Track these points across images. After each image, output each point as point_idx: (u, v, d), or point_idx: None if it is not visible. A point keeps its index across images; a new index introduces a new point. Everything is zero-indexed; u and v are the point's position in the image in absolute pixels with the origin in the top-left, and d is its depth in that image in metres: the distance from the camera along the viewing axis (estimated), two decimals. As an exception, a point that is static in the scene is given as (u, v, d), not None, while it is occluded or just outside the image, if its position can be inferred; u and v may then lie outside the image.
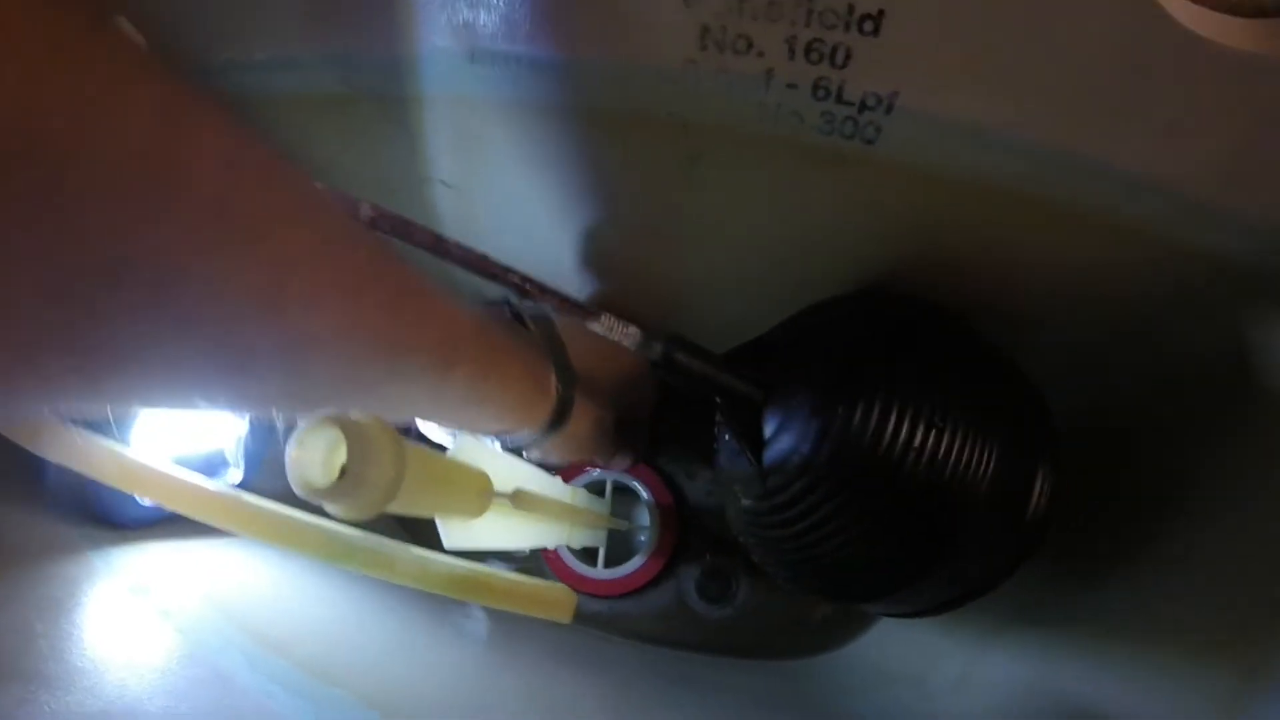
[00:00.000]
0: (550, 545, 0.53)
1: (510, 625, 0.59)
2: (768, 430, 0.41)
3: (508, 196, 0.52)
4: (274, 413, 0.31)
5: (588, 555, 0.66)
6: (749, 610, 0.66)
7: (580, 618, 0.65)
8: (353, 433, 0.24)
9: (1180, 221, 0.36)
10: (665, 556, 0.65)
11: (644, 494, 0.67)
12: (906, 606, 0.45)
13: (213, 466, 0.54)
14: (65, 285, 0.19)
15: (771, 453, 0.40)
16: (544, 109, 0.42)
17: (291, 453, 0.26)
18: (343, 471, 0.24)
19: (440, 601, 0.55)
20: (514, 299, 0.45)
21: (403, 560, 0.36)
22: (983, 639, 0.55)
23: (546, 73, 0.40)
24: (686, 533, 0.67)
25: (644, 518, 0.67)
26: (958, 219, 0.40)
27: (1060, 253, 0.41)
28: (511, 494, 0.35)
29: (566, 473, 0.66)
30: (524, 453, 0.48)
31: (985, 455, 0.38)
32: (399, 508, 0.27)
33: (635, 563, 0.65)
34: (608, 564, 0.66)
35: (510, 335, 0.41)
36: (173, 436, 0.50)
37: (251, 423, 0.55)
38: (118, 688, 0.34)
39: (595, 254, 0.53)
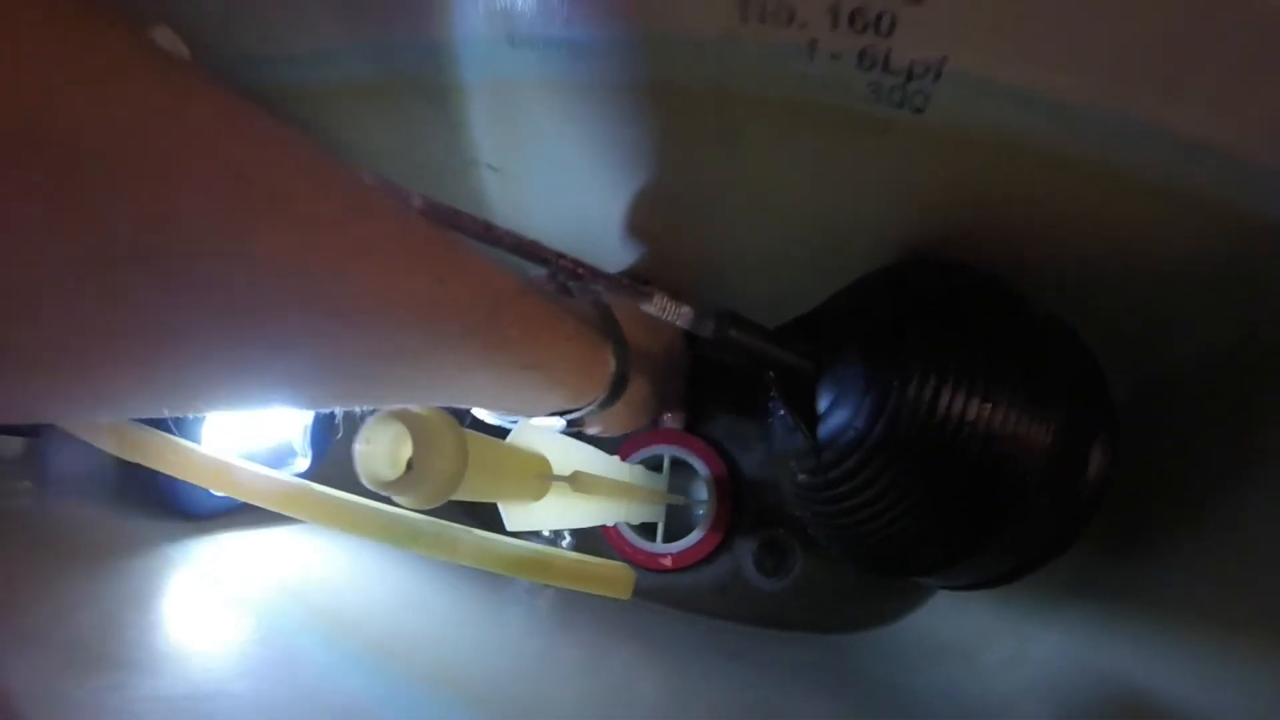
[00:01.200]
0: (610, 523, 0.54)
1: (569, 600, 0.60)
2: (821, 405, 0.41)
3: (552, 177, 0.52)
4: (324, 395, 0.31)
5: (646, 530, 0.67)
6: (805, 583, 0.66)
7: (638, 591, 0.66)
8: (416, 426, 0.25)
9: (1237, 186, 0.35)
10: (722, 530, 0.66)
11: (701, 468, 0.67)
12: (963, 580, 0.45)
13: (280, 457, 0.55)
14: (96, 270, 0.19)
15: (825, 428, 0.40)
16: (584, 88, 0.42)
17: (358, 448, 0.27)
18: (409, 465, 0.25)
19: (500, 580, 0.58)
20: (559, 274, 0.46)
21: (465, 542, 0.36)
22: (1037, 615, 0.55)
23: (586, 52, 0.39)
24: (743, 506, 0.67)
25: (701, 492, 0.67)
26: (1009, 186, 0.40)
27: (1114, 219, 0.40)
28: (570, 477, 0.35)
29: (624, 449, 0.67)
30: (585, 428, 0.49)
31: (1041, 427, 0.37)
32: (462, 495, 0.28)
33: (693, 537, 0.66)
34: (666, 538, 0.67)
35: (558, 301, 0.42)
36: (242, 433, 0.52)
37: (315, 414, 0.56)
38: (202, 671, 0.35)
39: (641, 231, 0.53)
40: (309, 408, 0.48)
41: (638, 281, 0.40)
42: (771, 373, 0.42)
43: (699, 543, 0.66)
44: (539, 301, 0.38)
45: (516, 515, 0.34)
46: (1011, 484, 0.38)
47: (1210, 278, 0.42)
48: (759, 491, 0.67)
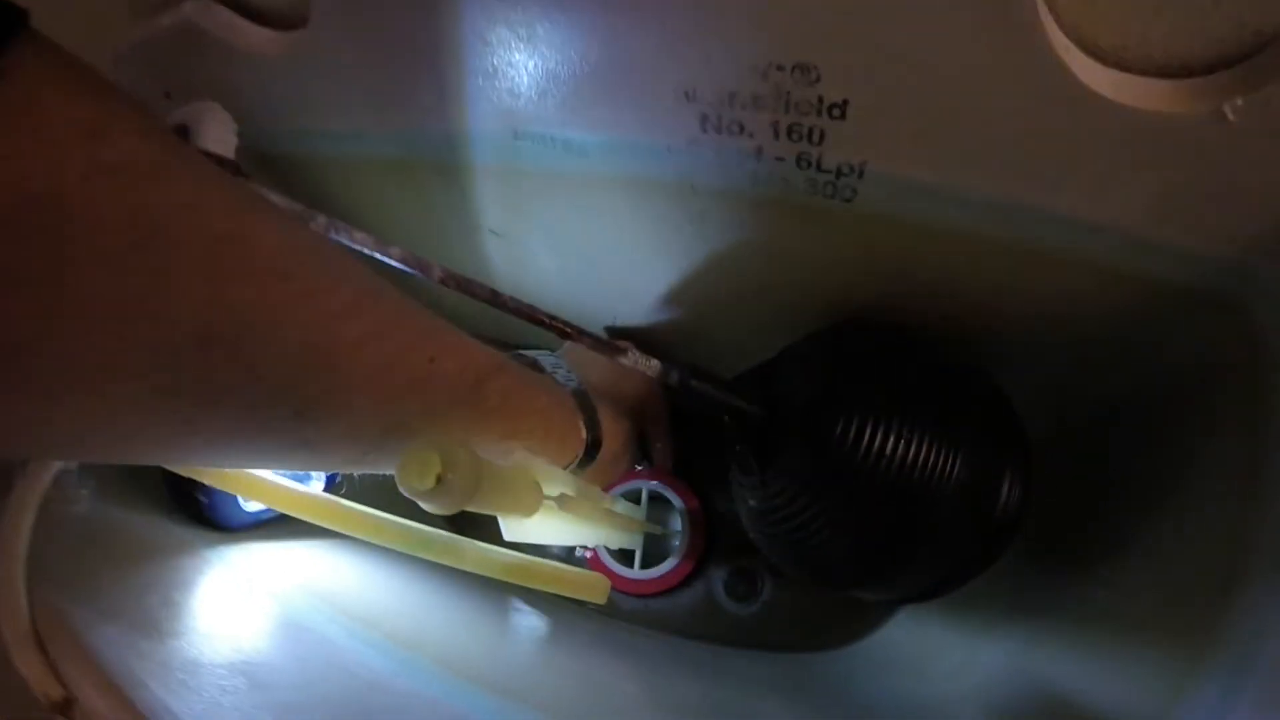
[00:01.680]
0: (590, 544, 0.59)
1: (559, 619, 0.66)
2: (768, 444, 0.48)
3: (547, 245, 0.58)
4: (334, 460, 0.36)
5: (626, 558, 0.71)
6: (773, 608, 0.70)
7: (618, 614, 0.71)
8: (446, 449, 0.32)
9: (1126, 254, 0.41)
10: (695, 558, 0.70)
11: (676, 501, 0.72)
12: (891, 593, 0.51)
13: (300, 477, 0.61)
14: (166, 352, 0.23)
15: (771, 463, 0.47)
16: (578, 178, 0.49)
17: (400, 466, 0.33)
18: (438, 479, 0.32)
19: (501, 597, 0.63)
20: (534, 357, 0.53)
21: (469, 550, 0.43)
22: (981, 630, 0.59)
23: (577, 149, 0.46)
24: (715, 537, 0.72)
25: (676, 523, 0.72)
26: (929, 260, 0.46)
27: (1024, 284, 0.45)
28: (557, 497, 0.42)
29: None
30: None
31: (950, 461, 0.43)
32: (475, 506, 0.34)
33: (668, 564, 0.70)
34: (644, 565, 0.71)
35: (533, 377, 0.47)
36: None
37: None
38: (246, 642, 0.41)
39: (622, 293, 0.60)
40: (321, 470, 0.53)
41: (615, 340, 0.46)
42: (728, 417, 0.49)
43: (673, 569, 0.70)
44: (516, 376, 0.42)
45: (514, 528, 0.41)
46: (924, 507, 0.43)
47: (1121, 333, 0.47)
48: (730, 523, 0.71)
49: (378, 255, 0.42)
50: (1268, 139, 0.33)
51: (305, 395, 0.28)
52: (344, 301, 0.29)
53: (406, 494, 0.33)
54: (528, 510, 0.39)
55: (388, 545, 0.43)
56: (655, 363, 0.46)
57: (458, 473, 0.32)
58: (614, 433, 0.53)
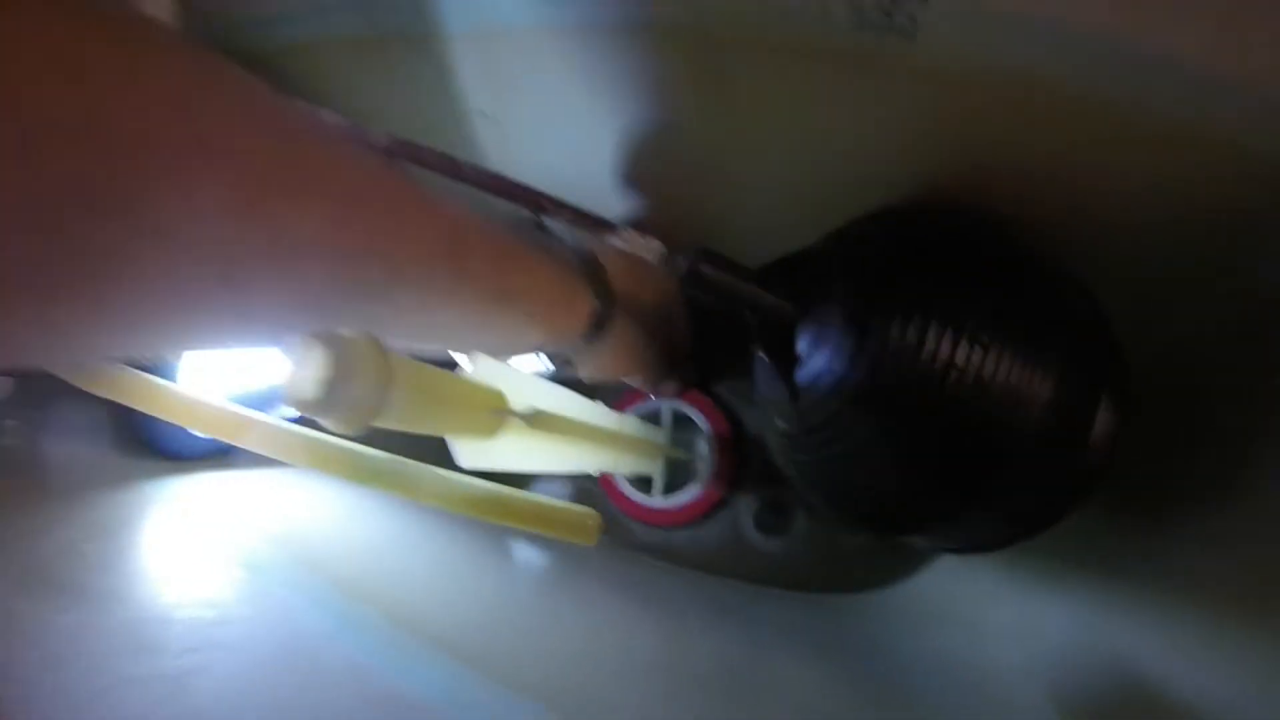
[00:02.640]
0: (593, 471, 0.53)
1: (569, 557, 0.60)
2: (801, 349, 0.39)
3: (543, 122, 0.51)
4: (288, 333, 0.31)
5: (645, 484, 0.67)
6: (805, 543, 0.65)
7: (637, 546, 0.67)
8: (335, 346, 0.24)
9: (1258, 128, 0.33)
10: (722, 486, 0.65)
11: (702, 423, 0.66)
12: (952, 542, 0.43)
13: (268, 401, 0.55)
14: (48, 210, 0.19)
15: (804, 373, 0.39)
16: (569, 31, 0.42)
17: (288, 371, 0.26)
18: (327, 385, 0.24)
19: (501, 537, 0.57)
20: (545, 221, 0.45)
21: (426, 480, 0.36)
22: (1042, 585, 0.54)
23: None
24: (745, 463, 0.66)
25: (702, 447, 0.66)
26: (1009, 126, 0.38)
27: (1127, 165, 0.37)
28: (528, 414, 0.34)
29: (620, 402, 0.66)
30: (576, 371, 0.48)
31: (1038, 377, 0.35)
32: (395, 423, 0.27)
33: (691, 492, 0.65)
34: (666, 492, 0.66)
35: (532, 240, 0.41)
36: (231, 376, 0.52)
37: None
38: (165, 598, 0.36)
39: (634, 176, 0.52)
40: (275, 345, 0.49)
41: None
42: (750, 314, 0.41)
43: (697, 499, 0.65)
44: (507, 238, 0.37)
45: (469, 452, 0.33)
46: (1003, 438, 0.36)
47: (1228, 233, 0.39)
48: (762, 448, 0.66)
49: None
50: None
51: (231, 254, 0.24)
52: (269, 137, 0.25)
53: (296, 409, 0.25)
54: (485, 430, 0.31)
55: (331, 474, 0.36)
56: (656, 244, 0.38)
57: (353, 376, 0.23)
58: (625, 312, 0.47)
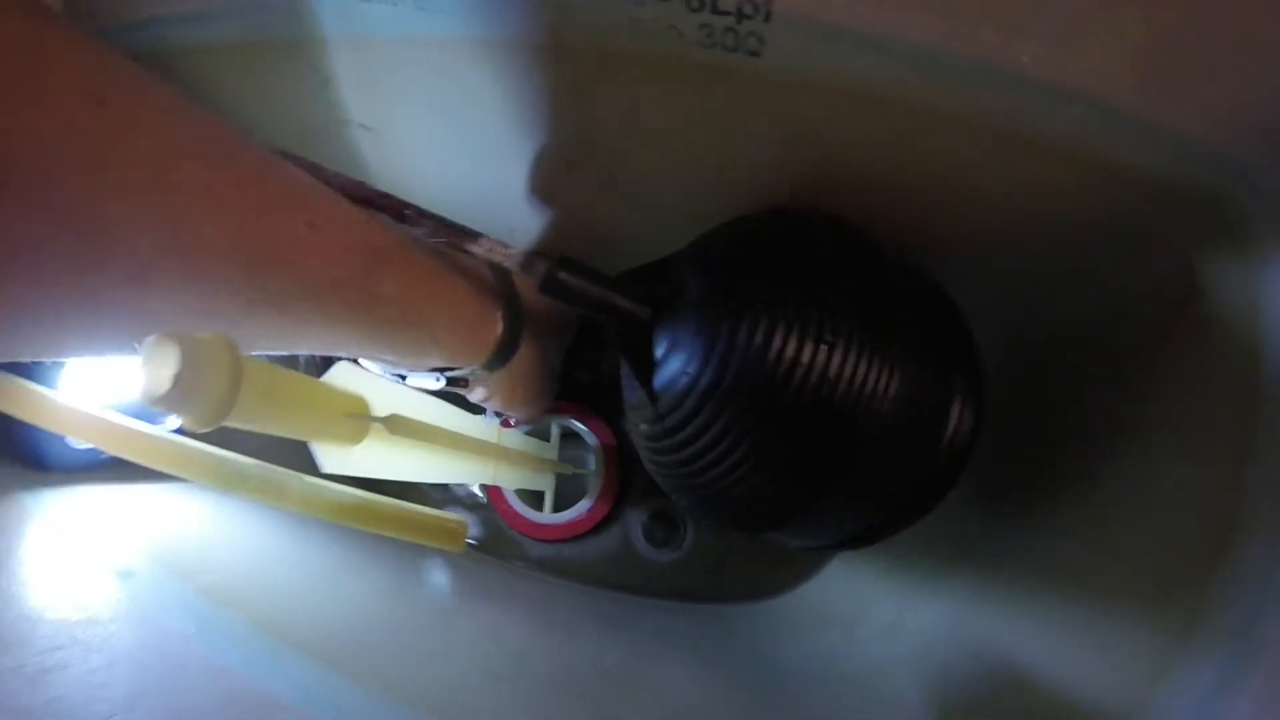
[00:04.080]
0: (472, 483, 0.53)
1: (460, 571, 0.60)
2: (658, 351, 0.40)
3: (422, 137, 0.51)
4: None
5: (536, 500, 0.66)
6: (695, 554, 0.66)
7: (528, 561, 0.67)
8: (187, 344, 0.24)
9: (1096, 132, 0.34)
10: (611, 500, 0.65)
11: (589, 438, 0.66)
12: (816, 538, 0.44)
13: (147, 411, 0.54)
14: None
15: (661, 375, 0.39)
16: (438, 45, 0.41)
17: (139, 366, 0.26)
18: (175, 380, 0.25)
19: (394, 552, 0.57)
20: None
21: (293, 487, 0.36)
22: (920, 583, 0.55)
23: (433, 6, 0.39)
24: (633, 477, 0.67)
25: (591, 462, 0.67)
26: (862, 134, 0.39)
27: (976, 170, 0.39)
28: (386, 419, 0.34)
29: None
30: (468, 391, 0.48)
31: (886, 374, 0.36)
32: (248, 423, 0.27)
33: (581, 507, 0.65)
34: (556, 508, 0.66)
35: (447, 258, 0.41)
36: (112, 385, 0.50)
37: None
38: (39, 607, 0.34)
39: (511, 189, 0.52)
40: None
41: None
42: (608, 319, 0.41)
43: (586, 513, 0.65)
44: (424, 259, 0.37)
45: (332, 457, 0.33)
46: (847, 431, 0.36)
47: (1091, 235, 0.41)
48: None
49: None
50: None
51: (138, 255, 0.24)
52: (180, 136, 0.25)
53: (146, 405, 0.25)
54: (346, 435, 0.32)
55: (198, 480, 0.36)
56: (515, 251, 0.38)
57: (202, 372, 0.24)
58: (531, 341, 0.47)
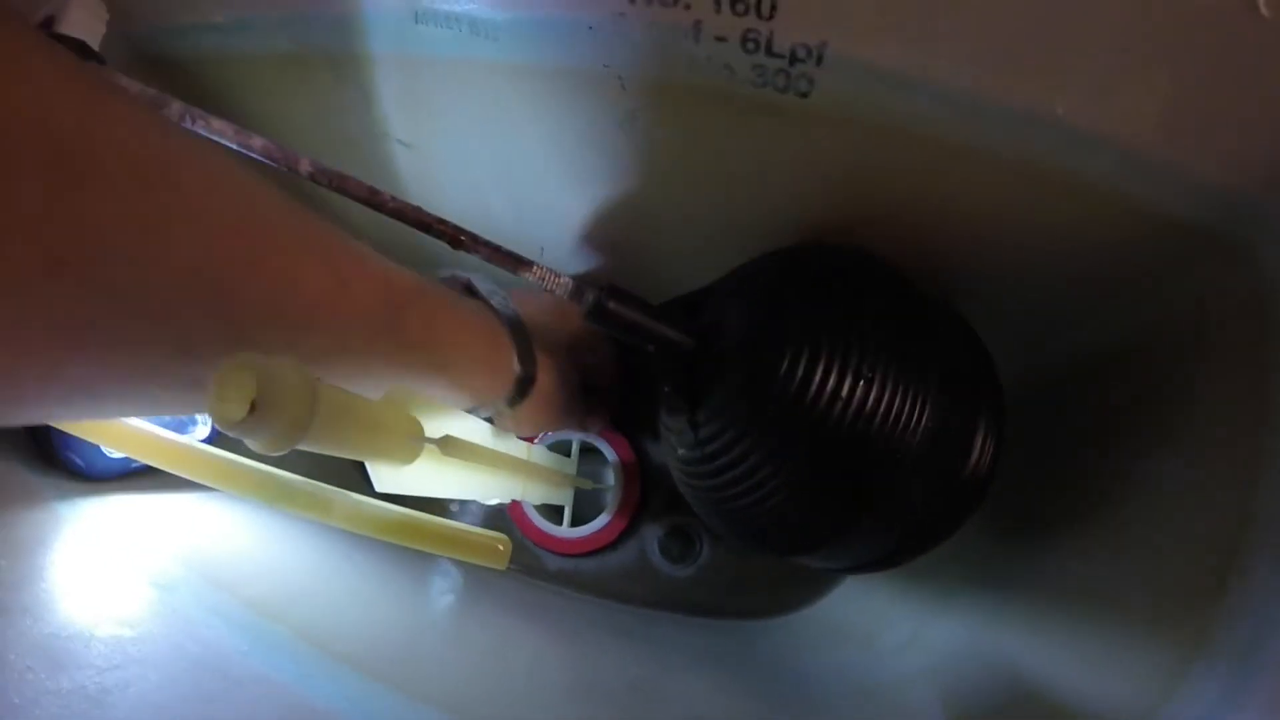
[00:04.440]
0: (504, 500, 0.54)
1: (481, 583, 0.61)
2: (700, 380, 0.41)
3: (461, 155, 0.52)
4: None
5: (555, 514, 0.67)
6: (711, 570, 0.66)
7: (546, 575, 0.67)
8: (262, 369, 0.25)
9: (1127, 178, 0.35)
10: (628, 515, 0.66)
11: (609, 454, 0.67)
12: (841, 561, 0.45)
13: (181, 424, 0.55)
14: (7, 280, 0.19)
15: (702, 403, 0.40)
16: (489, 68, 0.42)
17: (212, 391, 0.27)
18: (253, 406, 0.25)
19: (415, 562, 0.57)
20: (467, 277, 0.46)
21: (339, 503, 0.36)
22: (935, 601, 0.56)
23: (485, 31, 0.40)
24: (650, 492, 0.67)
25: (609, 477, 0.67)
26: (900, 174, 0.40)
27: (1009, 208, 0.40)
28: (440, 440, 0.35)
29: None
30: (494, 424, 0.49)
31: (918, 407, 0.37)
32: (317, 445, 0.28)
33: (599, 522, 0.66)
34: (574, 523, 0.67)
35: (463, 301, 0.42)
36: None
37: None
38: (84, 619, 0.35)
39: (548, 211, 0.53)
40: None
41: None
42: (653, 348, 0.42)
43: (604, 528, 0.66)
44: (441, 301, 0.38)
45: (386, 476, 0.34)
46: (881, 462, 0.37)
47: (1110, 273, 0.42)
48: (667, 478, 0.67)
49: (237, 147, 0.36)
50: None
51: (187, 328, 0.25)
52: (226, 212, 0.25)
53: (222, 429, 0.26)
54: (402, 455, 0.32)
55: (245, 495, 0.37)
56: (567, 280, 0.39)
57: (280, 400, 0.24)
58: (548, 369, 0.48)
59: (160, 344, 0.24)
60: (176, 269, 0.23)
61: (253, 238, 0.26)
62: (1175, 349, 0.42)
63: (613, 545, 0.67)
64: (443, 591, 0.59)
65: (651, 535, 0.67)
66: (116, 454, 0.49)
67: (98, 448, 0.48)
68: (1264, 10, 0.27)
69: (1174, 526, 0.39)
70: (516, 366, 0.44)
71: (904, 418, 0.37)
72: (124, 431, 0.37)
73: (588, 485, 0.66)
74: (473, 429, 0.44)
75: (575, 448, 0.68)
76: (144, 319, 0.23)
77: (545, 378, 0.47)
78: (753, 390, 0.38)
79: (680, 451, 0.43)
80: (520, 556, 0.68)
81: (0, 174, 0.18)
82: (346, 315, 0.31)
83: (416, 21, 0.42)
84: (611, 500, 0.66)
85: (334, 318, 0.30)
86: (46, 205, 0.19)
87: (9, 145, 0.19)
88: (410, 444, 0.33)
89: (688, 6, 0.34)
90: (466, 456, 0.37)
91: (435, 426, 0.36)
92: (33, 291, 0.20)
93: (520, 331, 0.45)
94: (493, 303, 0.45)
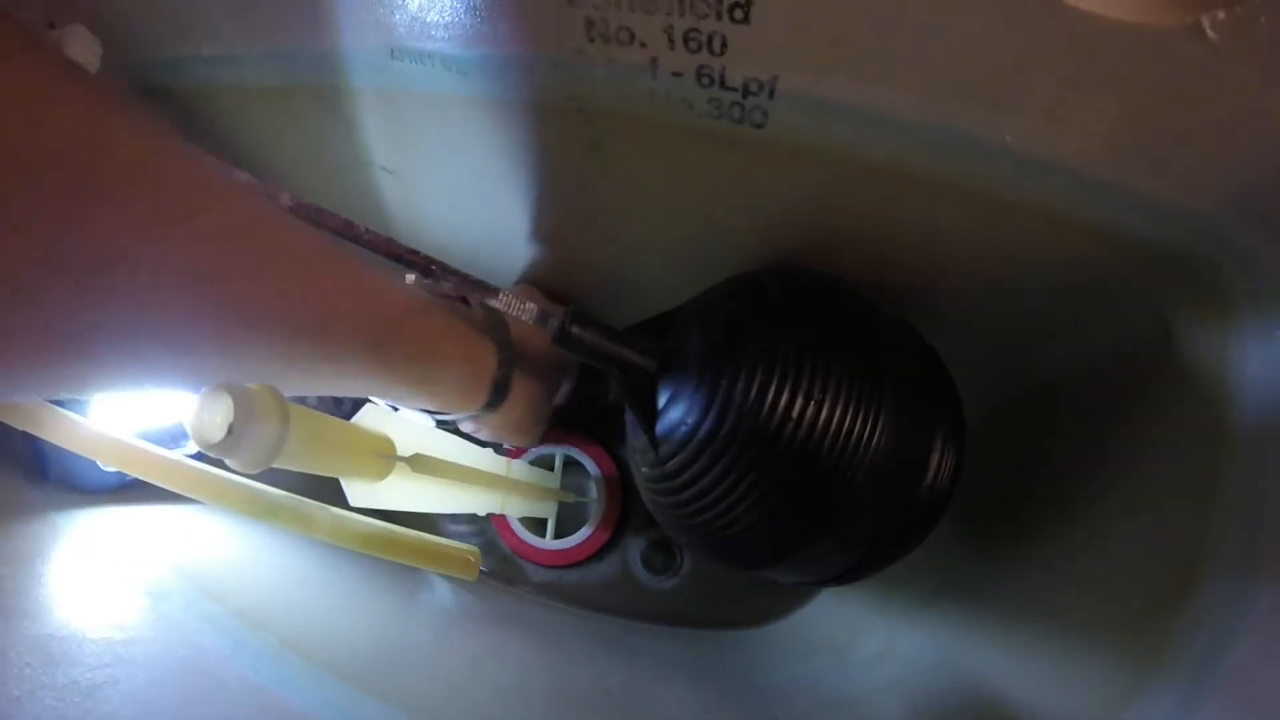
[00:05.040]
0: (480, 512, 0.56)
1: (465, 594, 0.62)
2: (661, 401, 0.42)
3: (440, 181, 0.53)
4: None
5: (539, 526, 0.68)
6: (692, 582, 0.67)
7: (529, 586, 0.69)
8: (239, 396, 0.27)
9: (1077, 199, 0.36)
10: (611, 528, 0.67)
11: (591, 468, 0.69)
12: (804, 575, 0.46)
13: (174, 438, 0.56)
14: (7, 276, 0.20)
15: (663, 423, 0.42)
16: (461, 100, 0.44)
17: (192, 414, 0.29)
18: (230, 429, 0.27)
19: (400, 574, 0.59)
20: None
21: (320, 518, 0.38)
22: (907, 614, 0.57)
23: (458, 67, 0.41)
24: (633, 505, 0.69)
25: (592, 491, 0.69)
26: (856, 200, 0.41)
27: (962, 231, 0.41)
28: (410, 458, 0.37)
29: (513, 449, 0.68)
30: (459, 426, 0.50)
31: (871, 424, 0.38)
32: (292, 463, 0.29)
33: (582, 534, 0.67)
34: (559, 535, 0.68)
35: (450, 317, 0.43)
36: (136, 412, 0.52)
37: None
38: (83, 626, 0.36)
39: (526, 235, 0.54)
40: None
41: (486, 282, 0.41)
42: (615, 369, 0.44)
43: (587, 540, 0.67)
44: (432, 318, 0.39)
45: (359, 492, 0.35)
46: (834, 480, 0.38)
47: (1070, 293, 0.43)
48: None
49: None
50: (1250, 65, 0.28)
51: (184, 330, 0.26)
52: (224, 223, 0.26)
53: (202, 449, 0.28)
54: (373, 472, 0.34)
55: (231, 510, 0.38)
56: (532, 306, 0.41)
57: (254, 422, 0.26)
58: (526, 374, 0.49)
59: (158, 346, 0.25)
60: (181, 279, 0.24)
61: (248, 248, 0.27)
62: (1137, 366, 0.43)
63: (596, 557, 0.68)
64: (427, 602, 0.60)
65: (634, 547, 0.68)
66: (110, 469, 0.50)
67: (93, 462, 0.49)
68: (1210, 34, 0.28)
69: (1133, 541, 0.40)
70: (495, 370, 0.45)
71: (855, 437, 0.38)
72: (118, 448, 0.39)
73: (570, 499, 0.68)
74: (448, 447, 0.46)
75: (559, 462, 0.69)
76: (142, 323, 0.24)
77: (521, 388, 0.48)
78: (708, 410, 0.39)
79: (644, 470, 0.44)
80: (504, 568, 0.69)
81: (0, 175, 0.19)
82: (340, 330, 0.32)
83: (392, 58, 0.43)
84: (594, 513, 0.67)
85: (324, 332, 0.31)
86: (47, 208, 0.20)
87: (9, 145, 0.19)
88: (381, 462, 0.35)
89: (643, 44, 0.36)
90: (437, 473, 0.39)
91: (408, 444, 0.37)
92: (30, 298, 0.20)
93: (503, 334, 0.46)
94: (481, 308, 0.46)
